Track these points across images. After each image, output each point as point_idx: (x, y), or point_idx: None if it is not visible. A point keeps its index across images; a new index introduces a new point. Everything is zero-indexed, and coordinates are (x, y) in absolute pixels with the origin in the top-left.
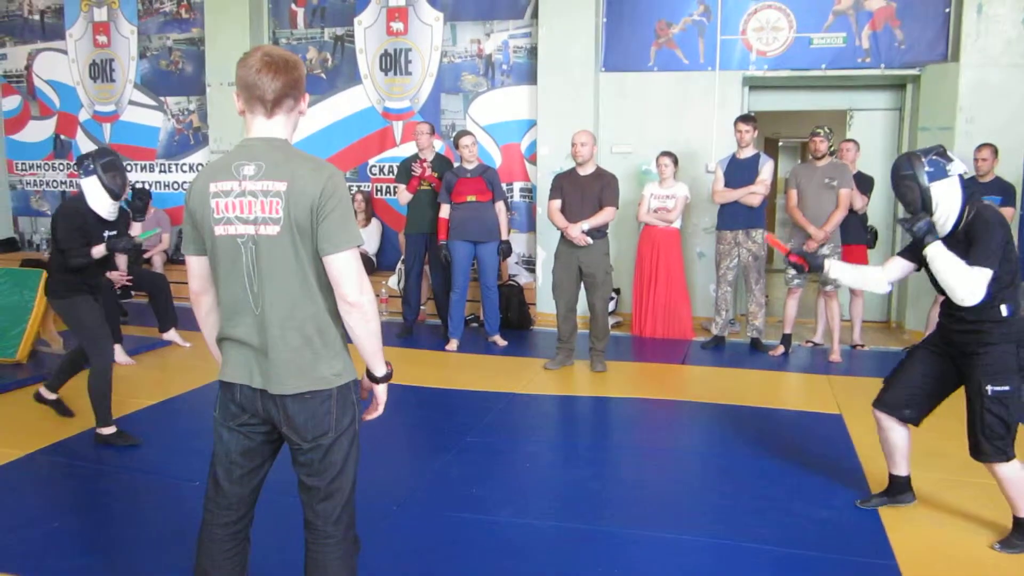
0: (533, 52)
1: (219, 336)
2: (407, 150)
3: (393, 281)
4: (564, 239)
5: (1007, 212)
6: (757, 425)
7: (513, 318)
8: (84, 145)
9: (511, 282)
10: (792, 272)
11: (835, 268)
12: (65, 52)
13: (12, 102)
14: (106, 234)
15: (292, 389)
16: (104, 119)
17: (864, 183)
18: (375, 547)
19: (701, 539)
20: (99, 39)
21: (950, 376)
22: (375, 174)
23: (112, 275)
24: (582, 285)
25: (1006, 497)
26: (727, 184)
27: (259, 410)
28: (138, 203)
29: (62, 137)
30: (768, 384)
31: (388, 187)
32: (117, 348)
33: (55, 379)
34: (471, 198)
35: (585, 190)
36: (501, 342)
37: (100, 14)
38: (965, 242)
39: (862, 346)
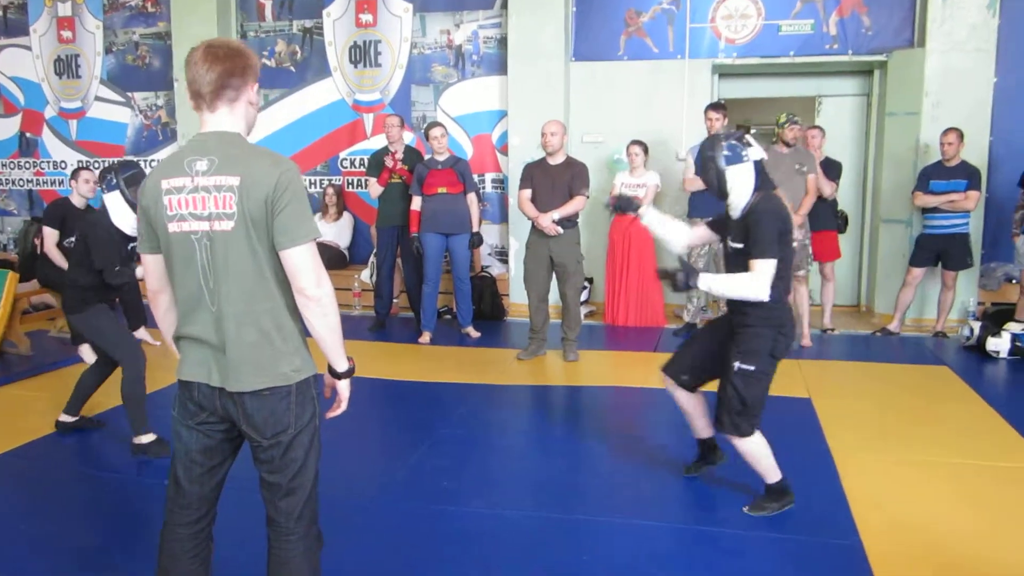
0: (503, 42)
1: (176, 334)
2: (378, 143)
3: (366, 275)
4: (535, 229)
5: (972, 195)
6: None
7: (486, 309)
8: (50, 143)
9: (484, 273)
10: None
11: (649, 213)
12: (29, 48)
13: None
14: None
15: (250, 386)
16: (70, 116)
17: (832, 169)
18: (347, 542)
19: (670, 525)
20: (64, 34)
21: (725, 352)
22: (346, 167)
23: None
24: (554, 275)
25: (755, 469)
26: (698, 173)
27: (218, 408)
28: None
29: (27, 135)
30: None
31: (359, 180)
32: (85, 348)
33: (74, 402)
34: (442, 190)
35: (555, 180)
36: (474, 333)
37: (64, 9)
38: (746, 230)
39: (832, 330)
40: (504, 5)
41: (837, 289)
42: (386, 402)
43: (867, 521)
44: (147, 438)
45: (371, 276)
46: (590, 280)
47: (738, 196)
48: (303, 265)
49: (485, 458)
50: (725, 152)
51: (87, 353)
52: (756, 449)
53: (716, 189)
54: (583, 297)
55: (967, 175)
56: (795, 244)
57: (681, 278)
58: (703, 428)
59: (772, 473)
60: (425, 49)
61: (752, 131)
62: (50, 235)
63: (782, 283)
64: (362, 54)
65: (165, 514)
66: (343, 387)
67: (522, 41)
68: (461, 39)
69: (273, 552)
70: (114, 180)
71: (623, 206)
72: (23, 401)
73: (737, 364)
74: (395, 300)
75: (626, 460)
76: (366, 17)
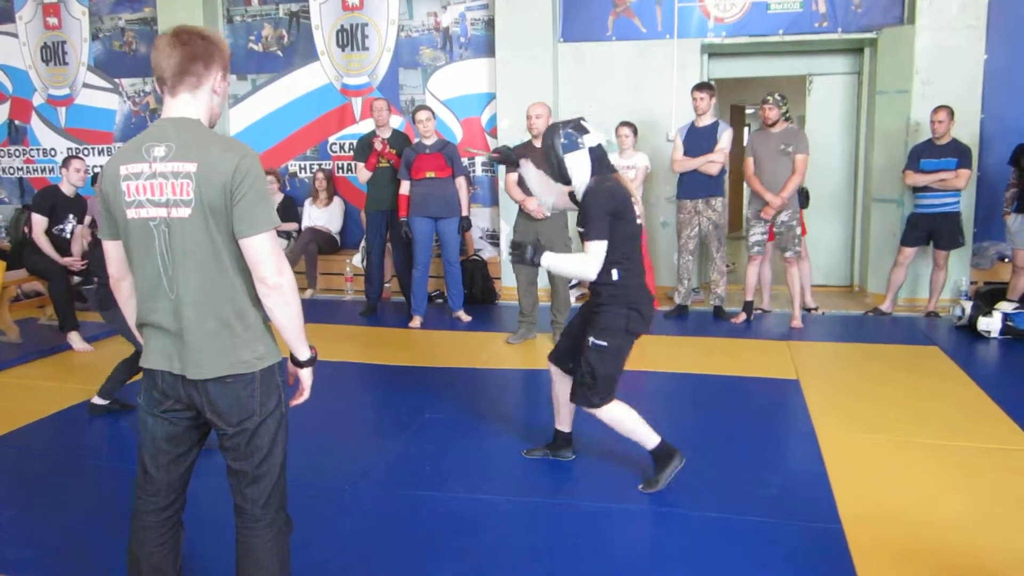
0: (491, 24)
1: (138, 322)
2: (367, 127)
3: (357, 260)
4: (522, 212)
5: (963, 174)
6: (715, 393)
7: (477, 293)
8: (39, 130)
9: (475, 257)
10: (752, 239)
11: (526, 167)
12: (15, 35)
13: None
14: None
15: (211, 373)
16: (58, 103)
17: None
18: (325, 527)
19: (653, 509)
20: (50, 21)
21: (583, 332)
22: (336, 152)
23: (65, 260)
24: None
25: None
26: (686, 152)
27: (182, 396)
28: None
29: (16, 123)
30: (728, 352)
31: (349, 165)
32: (74, 335)
33: (108, 387)
34: (430, 174)
35: (541, 162)
36: (465, 317)
37: None
38: (583, 213)
39: (816, 309)
40: None
41: (829, 269)
42: (374, 387)
43: (849, 505)
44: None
45: (362, 261)
46: None
47: (577, 180)
48: (263, 253)
49: (470, 443)
50: (562, 140)
51: (76, 341)
52: (617, 417)
53: (558, 175)
54: (574, 280)
55: (958, 153)
56: (779, 224)
57: (528, 252)
58: (567, 422)
59: (647, 439)
60: (412, 32)
61: (747, 110)
62: (39, 222)
63: (629, 263)
64: (349, 37)
65: (134, 501)
66: (305, 375)
67: (509, 23)
68: (448, 21)
69: (241, 539)
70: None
71: (504, 159)
72: (11, 389)
73: (592, 339)
74: (386, 285)
75: (613, 444)
76: (352, 0)
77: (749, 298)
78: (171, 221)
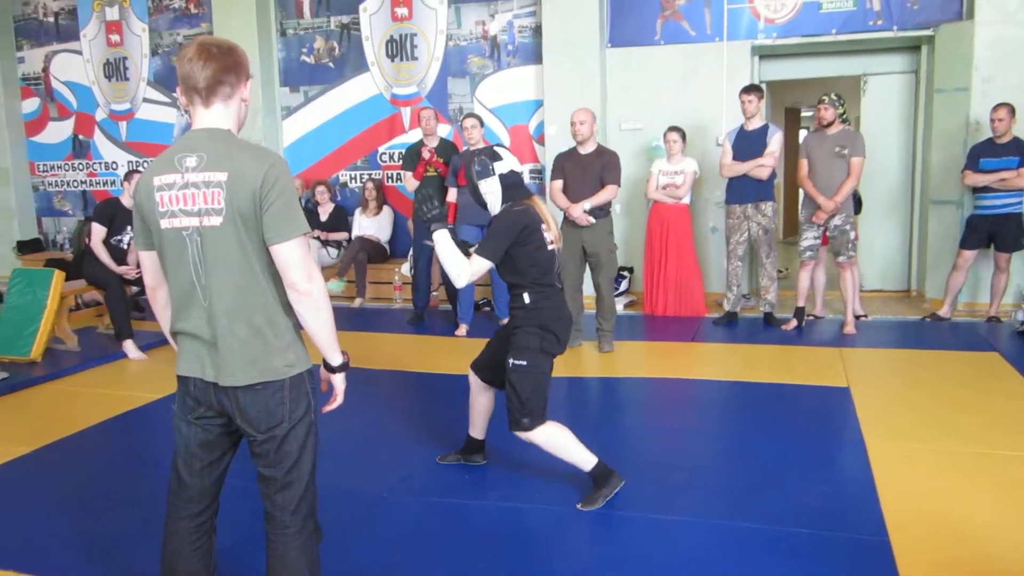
0: (538, 31)
1: (172, 329)
2: (416, 136)
3: (406, 268)
4: (567, 219)
5: None
6: (763, 401)
7: None
8: (101, 144)
9: None
10: (804, 244)
11: (439, 237)
12: (80, 52)
13: (31, 104)
14: None
15: (242, 381)
16: (120, 117)
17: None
18: (361, 534)
19: (696, 520)
20: (112, 38)
21: (504, 353)
22: (385, 161)
23: (121, 269)
24: (587, 265)
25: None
26: (736, 156)
27: (213, 403)
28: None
29: (80, 137)
30: (778, 359)
31: (398, 174)
32: (129, 343)
33: None
34: None
35: (586, 169)
36: None
37: (112, 13)
38: (487, 231)
39: (865, 316)
40: None
41: (886, 274)
42: (417, 395)
43: (898, 516)
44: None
45: (410, 269)
46: (630, 270)
47: (491, 205)
48: (293, 260)
49: (510, 451)
50: (476, 167)
51: (131, 349)
52: (550, 441)
53: (478, 200)
54: (622, 287)
55: (1019, 152)
56: (832, 228)
57: (430, 215)
58: (481, 430)
59: (584, 462)
60: (460, 41)
61: (803, 113)
62: (98, 231)
63: (540, 288)
64: (398, 48)
65: (168, 507)
66: (338, 381)
67: (557, 29)
68: (496, 29)
69: (271, 545)
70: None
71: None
72: (68, 396)
73: (511, 361)
74: (434, 293)
75: (655, 453)
76: (402, 11)
77: (801, 304)
78: (203, 230)
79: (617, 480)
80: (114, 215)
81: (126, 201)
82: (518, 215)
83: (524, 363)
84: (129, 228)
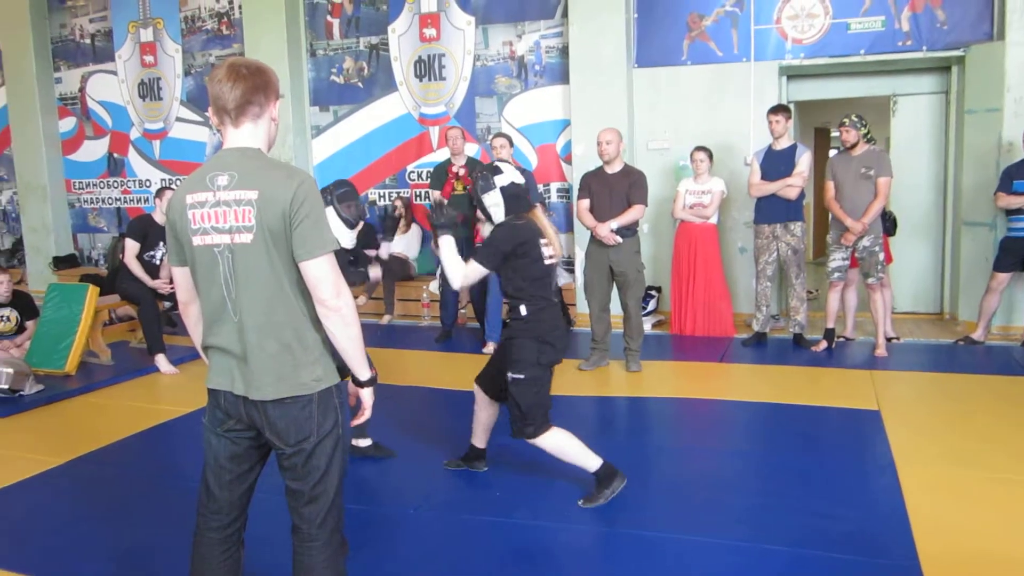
0: (565, 51)
1: (203, 344)
2: (444, 155)
3: (434, 286)
4: (594, 239)
5: None
6: (792, 423)
7: None
8: (135, 162)
9: None
10: (832, 265)
11: (444, 242)
12: (115, 73)
13: (68, 124)
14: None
15: (272, 395)
16: (153, 136)
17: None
18: (387, 550)
19: (722, 541)
20: (146, 59)
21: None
22: (414, 180)
23: (154, 283)
24: (614, 285)
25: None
26: (764, 176)
27: (243, 416)
28: (390, 223)
29: (115, 155)
30: (808, 381)
31: (427, 192)
32: (161, 357)
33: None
34: None
35: (613, 188)
36: None
37: (146, 34)
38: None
39: (897, 338)
40: (565, 14)
41: (919, 296)
42: (443, 412)
43: (929, 544)
44: (363, 442)
45: (439, 287)
46: (658, 289)
47: (495, 217)
48: (322, 276)
49: (536, 470)
50: (479, 183)
51: (163, 363)
52: (555, 446)
53: (484, 214)
54: (650, 307)
55: None
56: (861, 250)
57: (442, 220)
58: (481, 439)
59: (589, 462)
60: (488, 61)
61: (832, 133)
62: (131, 247)
63: (537, 300)
64: (427, 68)
65: (197, 519)
66: (366, 395)
67: (583, 50)
68: (523, 50)
69: (297, 558)
70: (329, 197)
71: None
72: (101, 409)
73: (510, 374)
74: (462, 311)
75: (680, 474)
76: (430, 32)
77: (830, 325)
78: (234, 247)
79: (620, 480)
80: (147, 231)
81: (158, 218)
82: (517, 228)
83: (522, 376)
84: (162, 244)
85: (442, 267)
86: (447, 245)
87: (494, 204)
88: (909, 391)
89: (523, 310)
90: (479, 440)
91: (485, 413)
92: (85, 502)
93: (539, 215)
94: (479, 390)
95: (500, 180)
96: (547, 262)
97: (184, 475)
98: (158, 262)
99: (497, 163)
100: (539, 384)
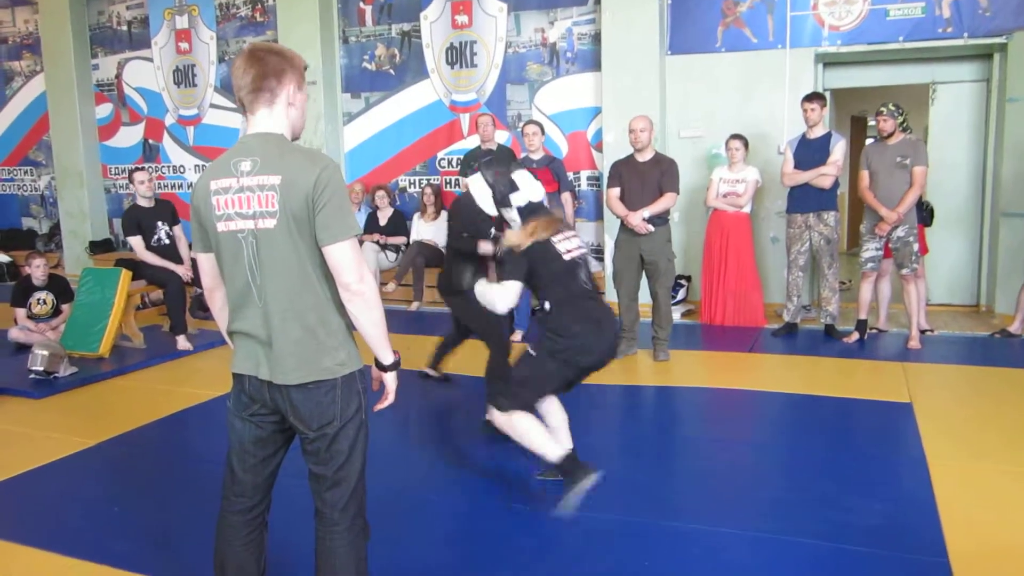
0: (597, 38)
1: (228, 329)
2: (474, 142)
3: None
4: (624, 227)
5: None
6: (822, 415)
7: None
8: (170, 148)
9: None
10: (865, 255)
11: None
12: (151, 60)
13: (104, 110)
14: (492, 231)
15: (295, 379)
16: (188, 123)
17: None
18: (409, 534)
19: (749, 533)
20: (181, 46)
21: None
22: (444, 167)
23: (178, 269)
24: (644, 273)
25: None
26: (798, 165)
27: (267, 400)
28: None
29: (150, 141)
30: (839, 372)
31: (457, 180)
32: (182, 337)
33: (436, 358)
34: None
35: (645, 177)
36: None
37: (182, 22)
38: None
39: (931, 330)
40: (598, 1)
41: (954, 288)
42: (469, 398)
43: (959, 539)
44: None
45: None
46: (687, 279)
47: (513, 227)
48: (345, 261)
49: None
50: (496, 196)
51: (182, 341)
52: (513, 426)
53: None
54: (680, 296)
55: None
56: (895, 240)
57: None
58: (563, 438)
59: (547, 452)
60: (520, 48)
61: (870, 122)
62: (136, 243)
63: (561, 295)
64: (458, 55)
65: (221, 502)
66: (390, 380)
67: (616, 37)
68: (555, 37)
69: (320, 542)
70: (474, 164)
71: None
72: (133, 391)
73: (528, 347)
74: None
75: (708, 465)
76: (462, 18)
77: (863, 316)
78: (258, 232)
79: (586, 474)
80: (138, 220)
81: (141, 201)
82: (526, 249)
83: (533, 353)
84: (158, 224)
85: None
86: (482, 286)
87: (511, 219)
88: (942, 384)
89: (547, 305)
90: (563, 440)
91: (552, 418)
92: (116, 483)
93: (551, 218)
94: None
95: (516, 199)
96: (566, 257)
97: (211, 458)
98: (167, 241)
99: (515, 177)
100: (542, 368)
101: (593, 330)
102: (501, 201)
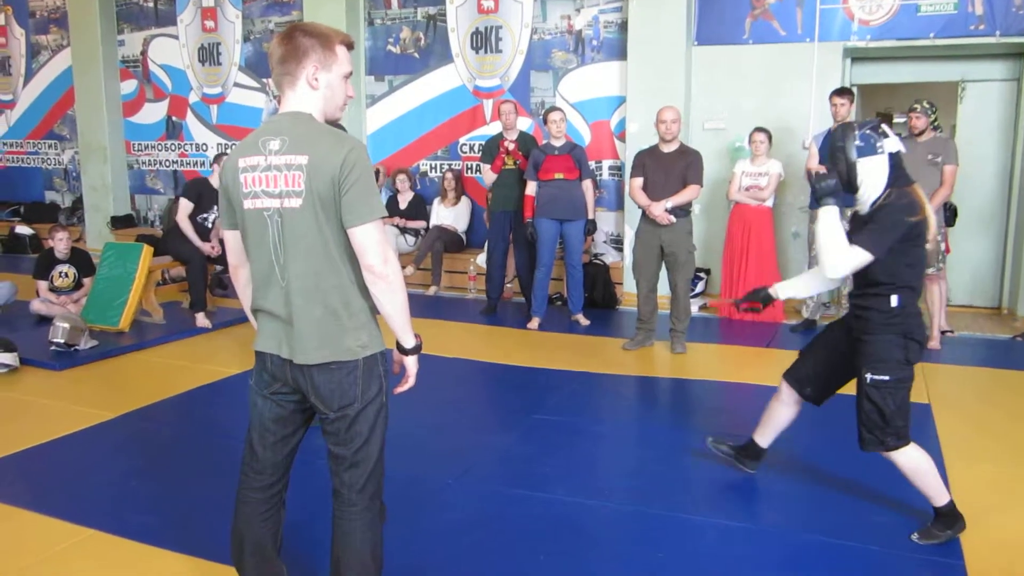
0: (624, 27)
1: (252, 307)
2: (496, 128)
3: (481, 259)
4: (646, 217)
5: None
6: (838, 413)
7: (599, 297)
8: (193, 126)
9: (597, 261)
10: None
11: (783, 289)
12: (176, 37)
13: (129, 86)
14: None
15: (316, 359)
16: (211, 101)
17: None
18: (424, 519)
19: (763, 528)
20: (207, 24)
21: (849, 359)
22: (466, 152)
23: (203, 245)
24: (664, 265)
25: (918, 488)
26: (822, 161)
27: (288, 379)
28: None
29: (173, 119)
30: None
31: (478, 165)
32: (201, 315)
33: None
34: (559, 175)
35: (669, 168)
36: (584, 321)
37: (208, 0)
38: (865, 224)
39: (951, 332)
40: None
41: (976, 290)
42: (486, 385)
43: (974, 540)
44: None
45: (486, 260)
46: (707, 271)
47: (868, 190)
48: (370, 243)
49: (575, 447)
50: (857, 143)
51: (200, 319)
52: (912, 464)
53: (845, 182)
54: (699, 289)
55: None
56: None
57: (824, 187)
58: (769, 439)
59: (938, 495)
60: (545, 34)
61: (895, 119)
62: (184, 206)
63: (911, 291)
64: (483, 40)
65: (240, 478)
66: (410, 363)
67: (643, 25)
68: (581, 24)
69: (337, 522)
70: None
71: (761, 299)
72: (152, 366)
73: (869, 376)
74: (508, 285)
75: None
76: (488, 3)
77: None
78: (284, 211)
79: (961, 525)
80: (201, 193)
81: (214, 181)
82: (913, 203)
83: (887, 378)
84: (215, 208)
85: (489, 243)
86: (829, 216)
87: (873, 174)
88: (961, 386)
89: (894, 301)
90: (765, 439)
91: (786, 412)
92: (135, 456)
93: (918, 188)
94: (788, 388)
95: (889, 145)
96: (927, 245)
97: (230, 434)
98: (210, 225)
99: (881, 123)
100: (904, 386)
101: (925, 329)
102: (861, 150)
